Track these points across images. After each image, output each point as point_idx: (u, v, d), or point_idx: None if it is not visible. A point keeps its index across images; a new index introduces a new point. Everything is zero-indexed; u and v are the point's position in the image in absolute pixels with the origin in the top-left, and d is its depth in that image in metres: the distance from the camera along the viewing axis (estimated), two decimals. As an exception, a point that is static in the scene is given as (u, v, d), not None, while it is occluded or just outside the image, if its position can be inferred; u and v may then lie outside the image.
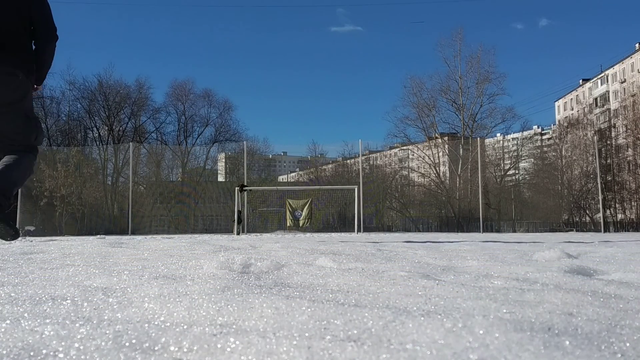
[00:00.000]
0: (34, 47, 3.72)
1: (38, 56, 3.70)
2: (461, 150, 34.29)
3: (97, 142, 36.19)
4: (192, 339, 0.73)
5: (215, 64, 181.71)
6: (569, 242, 5.39)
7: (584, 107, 56.37)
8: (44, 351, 0.69)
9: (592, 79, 61.14)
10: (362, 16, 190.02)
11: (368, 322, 0.82)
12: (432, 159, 36.03)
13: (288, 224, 18.52)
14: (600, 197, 23.88)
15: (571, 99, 64.90)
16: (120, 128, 37.93)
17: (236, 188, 14.08)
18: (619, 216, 37.32)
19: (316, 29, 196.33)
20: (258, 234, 14.16)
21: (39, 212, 22.22)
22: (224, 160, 37.12)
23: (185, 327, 0.79)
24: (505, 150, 43.06)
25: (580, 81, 64.44)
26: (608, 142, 45.01)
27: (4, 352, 0.69)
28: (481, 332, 0.73)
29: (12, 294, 1.21)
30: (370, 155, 40.93)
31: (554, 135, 46.75)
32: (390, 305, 1.01)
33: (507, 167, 37.43)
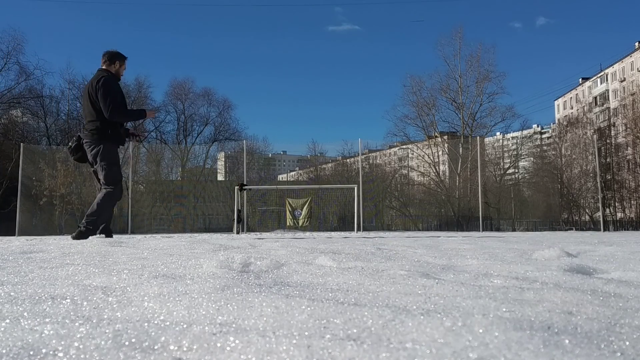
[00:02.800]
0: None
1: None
2: (461, 149, 34.29)
3: (97, 141, 36.14)
4: (192, 338, 0.73)
5: (214, 64, 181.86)
6: (569, 240, 5.40)
7: (584, 106, 56.40)
8: (44, 350, 0.69)
9: (592, 77, 61.13)
10: (359, 15, 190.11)
11: (368, 321, 0.82)
12: (431, 157, 36.03)
13: (288, 223, 18.52)
14: (599, 196, 23.87)
15: (571, 97, 64.90)
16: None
17: (236, 187, 14.07)
18: (619, 215, 37.36)
19: (313, 28, 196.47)
20: (257, 233, 14.17)
21: (38, 211, 22.21)
22: (223, 159, 37.13)
23: (184, 326, 0.79)
24: (505, 149, 43.11)
25: (580, 80, 64.42)
26: (607, 140, 45.05)
27: (4, 351, 0.69)
28: (481, 331, 0.73)
29: (12, 293, 1.21)
30: (370, 154, 40.98)
31: (553, 134, 46.79)
32: (390, 304, 1.01)
33: (506, 166, 37.46)
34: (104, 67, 5.75)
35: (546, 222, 31.20)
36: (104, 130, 5.53)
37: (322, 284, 1.39)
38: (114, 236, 5.83)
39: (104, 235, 5.46)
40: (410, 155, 38.68)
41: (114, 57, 5.80)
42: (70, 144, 5.72)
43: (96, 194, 5.76)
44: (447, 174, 36.01)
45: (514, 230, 27.16)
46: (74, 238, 5.17)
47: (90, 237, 5.18)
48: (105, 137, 5.54)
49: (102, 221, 5.50)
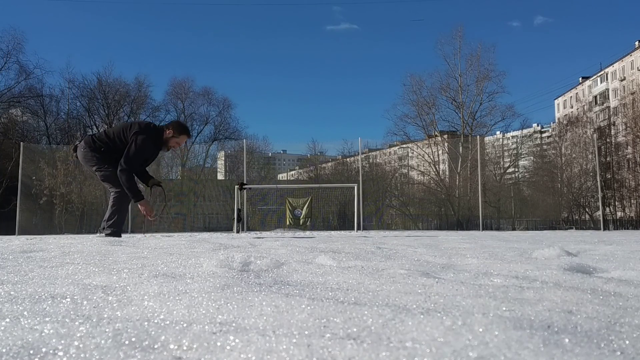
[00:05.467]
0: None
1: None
2: (461, 148, 34.27)
3: (97, 141, 36.11)
4: (192, 337, 0.73)
5: (214, 63, 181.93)
6: (569, 239, 5.40)
7: (584, 105, 56.34)
8: (44, 349, 0.69)
9: (592, 77, 61.10)
10: (358, 14, 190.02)
11: (368, 320, 0.82)
12: (431, 157, 36.01)
13: (288, 223, 18.52)
14: (599, 195, 23.85)
15: (571, 97, 64.87)
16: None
17: (236, 186, 14.08)
18: (619, 214, 37.35)
19: (312, 27, 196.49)
20: (257, 232, 14.17)
21: (38, 211, 22.21)
22: (223, 158, 37.14)
23: (184, 325, 0.79)
24: (505, 148, 43.10)
25: (580, 79, 64.39)
26: (608, 140, 45.00)
27: (4, 350, 0.69)
28: (481, 330, 0.73)
29: (12, 292, 1.21)
30: (370, 154, 40.97)
31: (553, 133, 46.74)
32: (390, 303, 1.01)
33: (506, 165, 37.44)
34: (163, 128, 5.57)
35: (546, 221, 31.18)
36: (103, 154, 5.41)
37: (322, 283, 1.39)
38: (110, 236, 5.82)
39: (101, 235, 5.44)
40: (410, 155, 38.68)
41: (173, 127, 5.56)
42: (77, 142, 5.66)
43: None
44: (447, 173, 35.99)
45: (514, 229, 27.16)
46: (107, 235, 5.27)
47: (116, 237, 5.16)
48: (102, 157, 5.43)
49: (121, 222, 5.41)
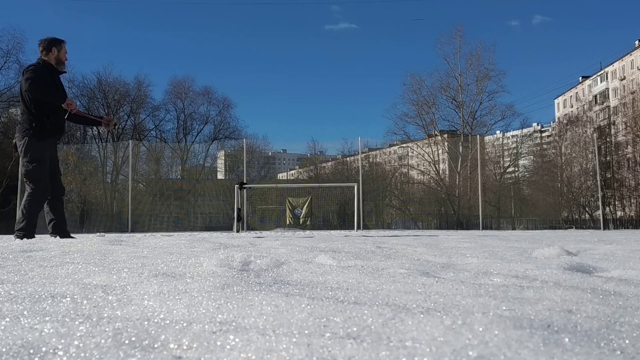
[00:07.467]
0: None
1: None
2: (461, 147, 34.26)
3: (97, 140, 36.19)
4: (192, 336, 0.73)
5: (214, 63, 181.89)
6: (569, 239, 5.39)
7: (584, 105, 56.33)
8: (44, 349, 0.69)
9: (592, 76, 61.09)
10: (356, 14, 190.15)
11: (367, 319, 0.82)
12: (431, 156, 35.99)
13: (288, 222, 18.53)
14: (599, 195, 23.85)
15: (571, 96, 64.87)
16: (120, 126, 37.91)
17: (236, 186, 14.08)
18: (619, 213, 37.36)
19: (311, 27, 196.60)
20: (257, 232, 14.17)
21: (38, 210, 22.19)
22: (223, 157, 37.14)
23: (184, 324, 0.79)
24: (505, 147, 43.11)
25: (580, 78, 64.39)
26: (607, 139, 45.00)
27: (4, 349, 0.69)
28: (480, 329, 0.73)
29: (12, 292, 1.21)
30: (370, 153, 40.97)
31: (553, 132, 46.77)
32: (390, 303, 1.01)
33: (506, 164, 37.43)
34: (42, 57, 5.48)
35: (546, 220, 31.20)
36: (29, 124, 5.28)
37: (322, 282, 1.39)
38: (106, 235, 5.77)
39: (57, 236, 5.23)
40: (410, 154, 38.66)
41: (51, 44, 5.50)
42: (14, 140, 5.59)
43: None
44: (447, 172, 35.99)
45: (514, 228, 27.17)
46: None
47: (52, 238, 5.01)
48: (30, 131, 5.29)
49: (32, 224, 5.21)
